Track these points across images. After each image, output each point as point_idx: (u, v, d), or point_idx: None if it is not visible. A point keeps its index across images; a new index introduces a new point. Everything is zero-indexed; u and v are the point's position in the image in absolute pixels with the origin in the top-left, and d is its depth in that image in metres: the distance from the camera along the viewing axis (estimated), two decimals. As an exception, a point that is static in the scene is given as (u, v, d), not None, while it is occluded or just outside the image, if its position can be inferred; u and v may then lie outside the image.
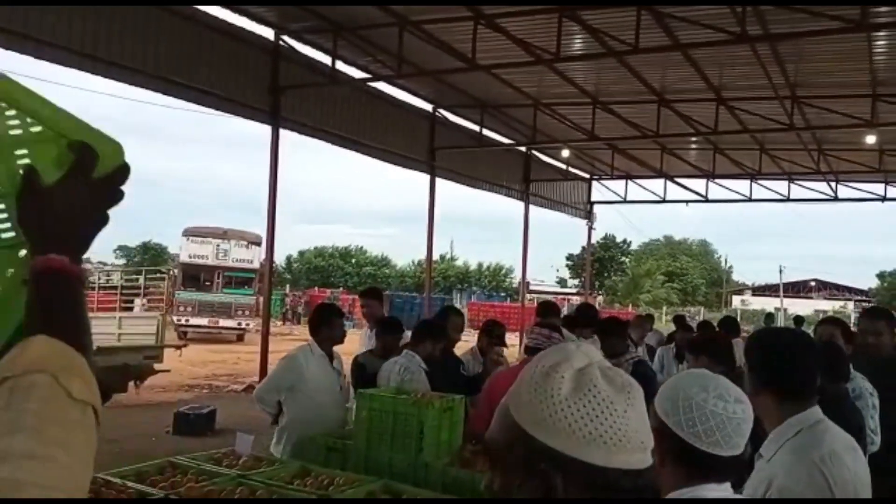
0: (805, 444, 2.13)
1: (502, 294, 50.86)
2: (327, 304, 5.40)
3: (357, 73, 13.30)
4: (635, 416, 0.97)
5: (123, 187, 0.95)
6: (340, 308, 5.32)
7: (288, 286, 45.38)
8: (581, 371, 0.99)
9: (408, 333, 5.45)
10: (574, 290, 50.86)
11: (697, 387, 1.58)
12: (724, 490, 1.57)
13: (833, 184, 20.00)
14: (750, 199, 21.09)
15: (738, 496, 1.56)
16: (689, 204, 22.15)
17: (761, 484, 2.13)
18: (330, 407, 4.40)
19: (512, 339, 13.08)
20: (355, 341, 6.48)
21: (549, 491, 0.95)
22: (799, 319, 15.76)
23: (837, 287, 70.02)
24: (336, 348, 4.92)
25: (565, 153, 19.10)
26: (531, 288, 38.07)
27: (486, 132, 16.71)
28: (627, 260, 59.52)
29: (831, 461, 2.08)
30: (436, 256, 37.01)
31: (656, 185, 21.54)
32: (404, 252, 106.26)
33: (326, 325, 4.75)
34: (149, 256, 58.46)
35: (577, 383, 0.97)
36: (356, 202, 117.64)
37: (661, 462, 1.60)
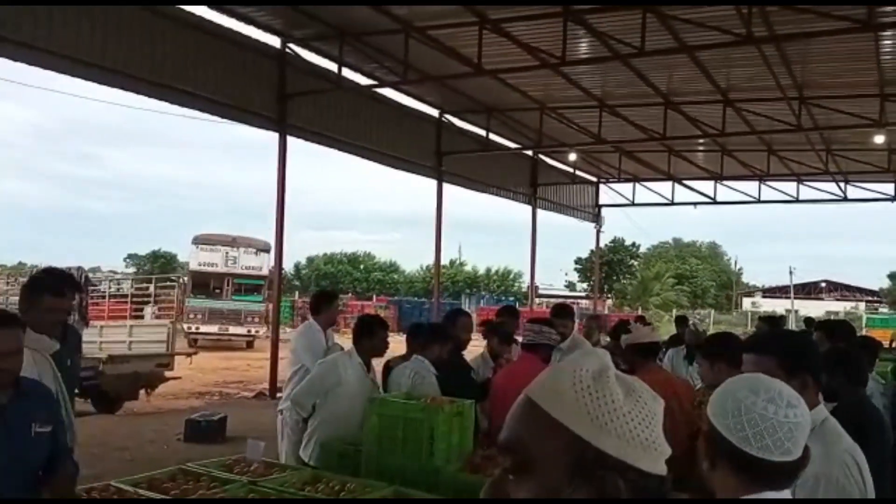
0: (829, 437, 2.18)
1: (511, 298, 50.73)
2: (372, 315, 5.47)
3: (363, 80, 13.34)
4: (661, 424, 0.99)
5: None
6: (384, 319, 5.30)
7: (297, 293, 45.39)
8: (619, 377, 0.99)
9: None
10: (583, 294, 50.71)
11: (747, 390, 1.56)
12: (783, 497, 1.53)
13: (842, 184, 19.92)
14: (759, 201, 21.03)
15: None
16: (698, 206, 22.11)
17: None
18: (361, 415, 4.40)
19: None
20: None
21: (607, 495, 0.93)
22: (809, 321, 15.70)
23: (848, 288, 69.55)
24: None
25: (572, 157, 19.09)
26: (540, 292, 37.98)
27: (492, 136, 16.73)
28: (636, 263, 59.29)
29: (856, 451, 2.15)
30: (444, 261, 37.00)
31: (664, 187, 21.51)
32: (412, 257, 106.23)
33: (368, 335, 4.75)
34: (158, 265, 58.66)
35: (626, 389, 0.97)
36: (364, 208, 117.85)
37: (711, 465, 1.60)
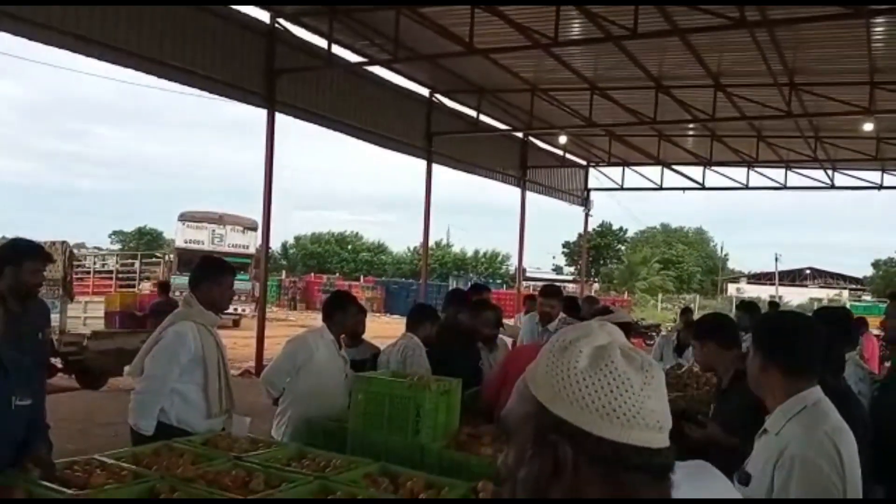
0: (813, 419, 2.22)
1: (498, 281, 50.88)
2: (343, 292, 5.41)
3: (353, 57, 13.22)
4: (654, 396, 0.97)
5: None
6: (356, 297, 5.29)
7: (284, 272, 45.29)
8: (601, 347, 0.99)
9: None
10: (570, 278, 50.90)
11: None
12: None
13: (830, 172, 20.01)
14: (747, 187, 21.11)
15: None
16: (686, 191, 22.17)
17: (771, 456, 2.19)
18: (333, 391, 4.39)
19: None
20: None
21: (557, 461, 0.95)
22: (773, 304, 15.98)
23: (832, 275, 70.19)
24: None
25: (562, 139, 19.05)
26: (527, 275, 38.06)
27: (483, 118, 16.66)
28: (623, 247, 59.54)
29: (839, 434, 2.18)
30: (432, 243, 37.00)
31: (653, 172, 21.54)
32: (401, 238, 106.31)
33: (340, 310, 4.74)
34: (144, 241, 58.32)
35: (594, 359, 0.97)
36: (353, 188, 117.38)
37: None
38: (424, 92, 15.91)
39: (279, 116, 12.28)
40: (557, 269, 59.86)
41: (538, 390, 0.99)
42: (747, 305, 8.61)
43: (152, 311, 12.27)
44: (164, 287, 12.60)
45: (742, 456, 2.35)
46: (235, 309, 24.66)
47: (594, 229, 48.47)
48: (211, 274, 4.03)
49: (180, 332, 3.83)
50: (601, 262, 56.15)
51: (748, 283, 68.49)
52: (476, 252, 61.19)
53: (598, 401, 0.94)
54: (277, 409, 4.66)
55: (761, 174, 20.75)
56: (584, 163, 22.59)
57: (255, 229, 24.10)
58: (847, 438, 2.19)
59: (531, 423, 0.98)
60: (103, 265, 25.23)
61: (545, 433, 0.96)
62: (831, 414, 2.26)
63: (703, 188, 21.70)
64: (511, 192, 20.28)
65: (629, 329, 5.11)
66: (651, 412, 0.96)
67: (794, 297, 54.17)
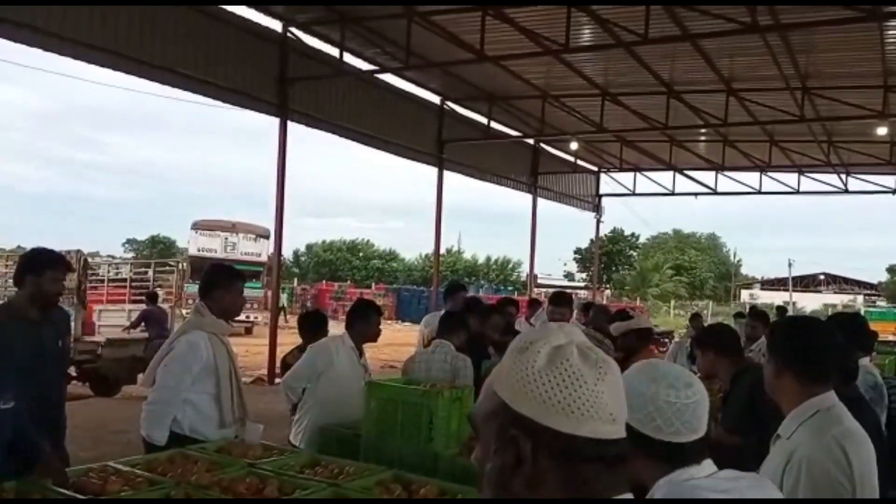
0: (823, 423, 2.22)
1: (510, 287, 50.82)
2: (367, 300, 5.35)
3: (365, 65, 13.27)
4: (607, 391, 1.03)
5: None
6: (379, 307, 5.23)
7: (296, 280, 45.42)
8: (558, 347, 1.05)
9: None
10: (582, 284, 50.77)
11: (647, 380, 1.58)
12: (705, 469, 1.56)
13: (843, 176, 19.87)
14: (759, 192, 20.99)
15: (743, 475, 1.55)
16: (698, 196, 22.07)
17: (782, 459, 2.20)
18: (352, 400, 4.38)
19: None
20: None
21: (518, 455, 1.02)
22: (781, 310, 16.04)
23: (846, 281, 69.68)
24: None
25: (574, 146, 19.03)
26: (539, 281, 38.00)
27: (494, 125, 16.67)
28: (635, 253, 59.35)
29: (849, 438, 2.17)
30: (443, 250, 37.01)
31: (665, 177, 21.47)
32: (412, 245, 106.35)
33: (362, 319, 4.72)
34: (157, 250, 58.66)
35: (550, 358, 1.04)
36: (364, 196, 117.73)
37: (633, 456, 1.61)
38: (435, 99, 15.94)
39: (290, 124, 12.35)
40: (569, 276, 59.70)
41: (501, 389, 1.05)
42: (758, 314, 8.49)
43: (141, 318, 12.44)
44: (152, 297, 12.89)
45: (744, 453, 2.35)
46: (248, 317, 24.79)
47: (606, 235, 48.35)
48: (222, 281, 4.01)
49: (192, 341, 3.82)
50: (613, 268, 55.99)
51: (762, 288, 68.08)
52: (488, 259, 61.17)
53: (554, 397, 1.01)
54: (296, 415, 4.66)
55: (774, 179, 20.64)
56: (595, 169, 22.55)
57: (267, 237, 24.21)
58: (858, 442, 2.18)
59: (496, 420, 1.05)
60: (117, 273, 25.33)
61: (507, 429, 1.03)
62: (844, 419, 2.24)
63: (716, 193, 21.60)
64: (522, 199, 20.29)
65: (649, 335, 5.10)
66: (604, 406, 1.02)
67: (808, 302, 53.79)
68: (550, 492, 1.02)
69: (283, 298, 34.33)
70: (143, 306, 13.07)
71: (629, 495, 1.06)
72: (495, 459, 1.05)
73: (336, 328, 6.33)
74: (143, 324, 12.43)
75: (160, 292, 14.33)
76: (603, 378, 1.03)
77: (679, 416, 1.54)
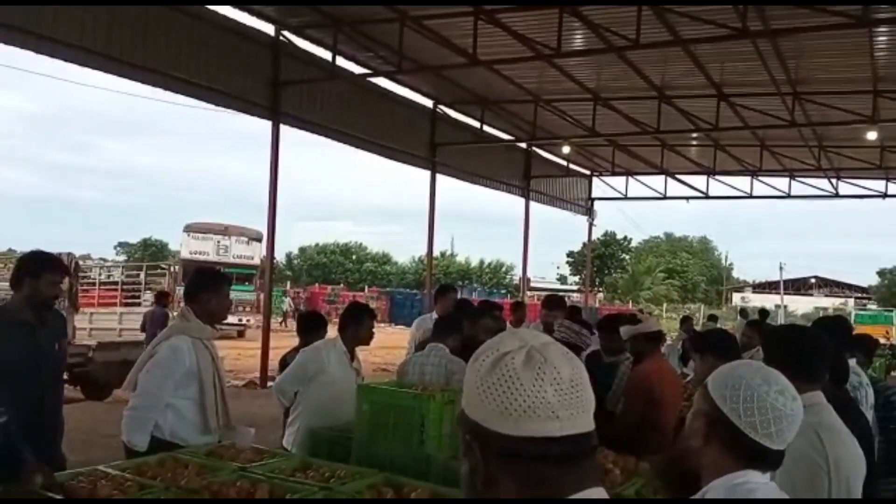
0: (804, 415, 2.25)
1: (503, 291, 50.84)
2: (360, 304, 5.31)
3: (357, 69, 13.28)
4: (550, 390, 1.05)
5: None
6: (373, 310, 5.21)
7: (289, 283, 45.30)
8: (503, 353, 1.08)
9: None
10: (574, 287, 50.85)
11: (761, 379, 1.64)
12: (764, 480, 1.62)
13: (834, 180, 19.98)
14: (751, 196, 21.09)
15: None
16: (690, 200, 22.17)
17: None
18: (344, 403, 4.37)
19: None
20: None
21: (474, 458, 1.08)
22: (764, 312, 16.26)
23: (838, 284, 70.01)
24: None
25: (566, 149, 19.07)
26: (532, 285, 38.05)
27: (486, 128, 16.70)
28: (628, 257, 59.44)
29: (827, 430, 2.23)
30: (436, 253, 36.99)
31: (657, 181, 21.54)
32: (405, 249, 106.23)
33: (355, 323, 4.70)
34: (149, 253, 58.41)
35: (493, 364, 1.08)
36: (357, 199, 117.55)
37: (705, 441, 1.68)
38: (428, 103, 15.96)
39: (282, 127, 12.35)
40: (562, 279, 59.80)
41: (461, 398, 1.12)
42: (754, 323, 8.47)
43: (145, 319, 12.33)
44: (160, 297, 12.68)
45: None
46: (240, 320, 24.74)
47: (598, 239, 48.42)
48: (209, 284, 3.98)
49: (176, 346, 3.78)
50: (605, 271, 56.04)
51: (753, 292, 68.33)
52: (481, 262, 61.19)
53: (494, 401, 1.05)
54: (289, 419, 4.65)
55: (765, 183, 20.73)
56: (587, 172, 22.60)
57: (259, 240, 24.16)
58: (839, 438, 2.23)
59: (459, 426, 1.12)
60: (108, 276, 25.27)
61: (465, 435, 1.10)
62: (825, 414, 2.30)
63: (707, 197, 21.70)
64: (515, 202, 20.32)
65: (660, 338, 5.05)
66: (546, 404, 1.04)
67: (800, 305, 54.02)
68: (506, 492, 1.07)
69: (287, 302, 34.31)
70: (137, 308, 13.04)
71: (599, 490, 1.09)
72: (463, 463, 1.11)
73: (329, 331, 6.34)
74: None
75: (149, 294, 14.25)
76: (542, 377, 1.05)
77: (777, 422, 1.59)
